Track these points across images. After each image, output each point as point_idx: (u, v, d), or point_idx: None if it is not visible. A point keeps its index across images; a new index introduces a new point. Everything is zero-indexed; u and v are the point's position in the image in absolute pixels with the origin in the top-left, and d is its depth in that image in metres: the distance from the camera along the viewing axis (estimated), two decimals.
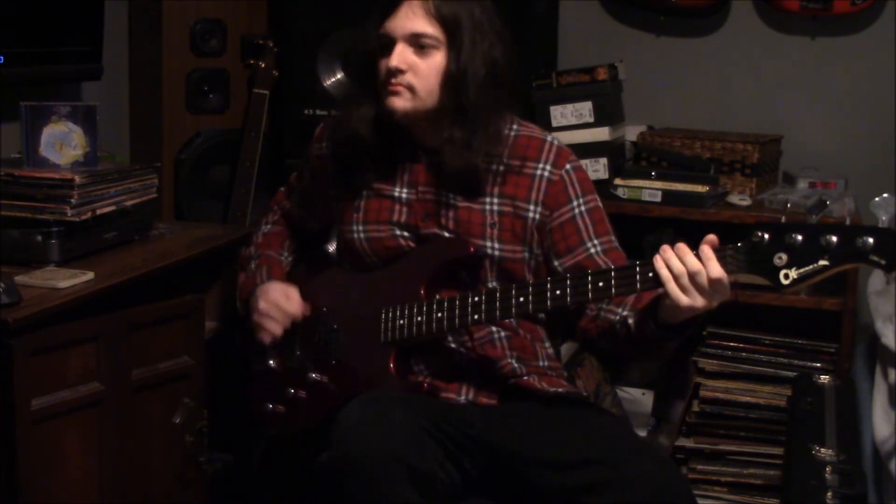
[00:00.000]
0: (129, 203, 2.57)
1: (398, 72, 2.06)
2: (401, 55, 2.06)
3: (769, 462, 3.11)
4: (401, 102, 2.08)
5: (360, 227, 2.21)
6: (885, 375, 2.83)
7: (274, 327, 2.26)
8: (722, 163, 3.26)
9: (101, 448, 2.32)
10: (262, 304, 2.27)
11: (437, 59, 2.08)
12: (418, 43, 2.07)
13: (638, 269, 1.88)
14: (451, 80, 2.08)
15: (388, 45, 2.08)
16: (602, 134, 3.25)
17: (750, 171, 3.25)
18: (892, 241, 1.69)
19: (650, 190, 3.17)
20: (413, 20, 2.07)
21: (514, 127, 2.18)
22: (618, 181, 3.22)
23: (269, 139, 3.39)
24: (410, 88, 2.08)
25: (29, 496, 2.17)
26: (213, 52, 3.40)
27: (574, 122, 3.26)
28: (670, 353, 2.03)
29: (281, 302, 2.26)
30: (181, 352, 2.52)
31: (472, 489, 2.06)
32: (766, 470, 3.12)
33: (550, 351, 2.23)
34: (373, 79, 2.11)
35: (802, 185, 3.28)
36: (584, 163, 3.18)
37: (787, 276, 1.75)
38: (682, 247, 1.84)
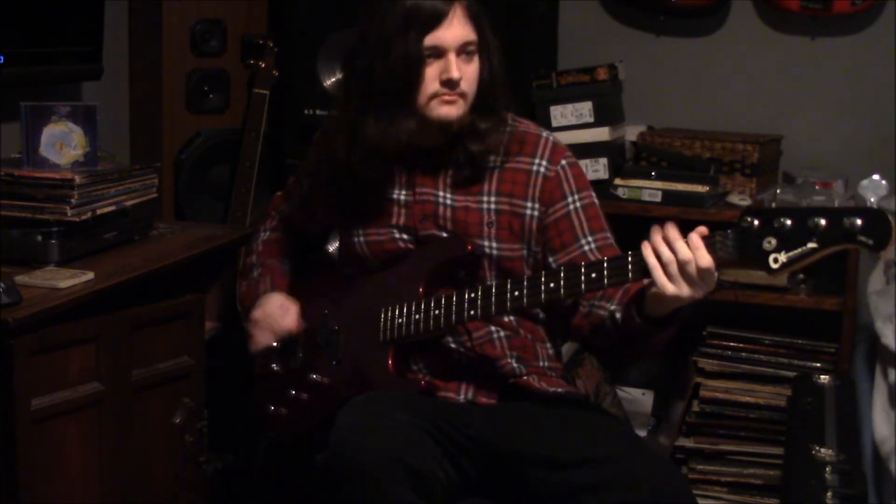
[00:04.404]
0: (129, 203, 2.57)
1: (458, 82, 2.05)
2: (457, 65, 2.05)
3: (769, 462, 3.12)
4: (456, 111, 2.07)
5: (361, 232, 2.21)
6: (885, 375, 2.83)
7: (262, 338, 2.27)
8: (722, 163, 3.26)
9: (101, 448, 2.32)
10: (257, 314, 2.28)
11: (476, 63, 2.09)
12: (466, 50, 2.07)
13: (630, 258, 1.88)
14: (485, 80, 2.10)
15: (432, 56, 2.05)
16: (602, 134, 3.25)
17: (750, 171, 3.25)
18: (879, 221, 1.69)
19: (650, 190, 3.17)
20: (462, 29, 2.06)
21: (510, 122, 2.19)
22: (618, 181, 3.22)
23: (269, 139, 3.39)
24: (463, 96, 2.07)
25: (29, 496, 2.17)
26: (213, 52, 3.40)
27: (574, 122, 3.26)
28: (660, 348, 2.01)
29: (276, 315, 2.26)
30: (181, 352, 2.52)
31: (470, 489, 2.06)
32: (766, 470, 3.12)
33: (551, 351, 2.23)
34: (412, 91, 2.06)
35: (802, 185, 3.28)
36: (584, 163, 3.19)
37: (776, 261, 1.75)
38: (673, 231, 1.83)
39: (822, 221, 1.72)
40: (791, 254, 1.74)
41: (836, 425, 2.56)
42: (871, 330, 2.94)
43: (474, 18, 2.08)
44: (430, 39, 2.04)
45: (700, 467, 3.16)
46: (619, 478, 1.92)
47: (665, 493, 1.91)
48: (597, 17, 3.60)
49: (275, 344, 2.27)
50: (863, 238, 1.70)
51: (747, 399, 3.14)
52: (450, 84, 2.05)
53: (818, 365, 3.12)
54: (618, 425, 2.24)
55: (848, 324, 3.08)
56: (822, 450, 2.41)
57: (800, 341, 3.16)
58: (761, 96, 3.49)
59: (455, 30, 2.05)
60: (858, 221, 1.69)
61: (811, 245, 1.73)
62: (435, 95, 2.06)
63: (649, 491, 1.90)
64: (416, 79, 2.05)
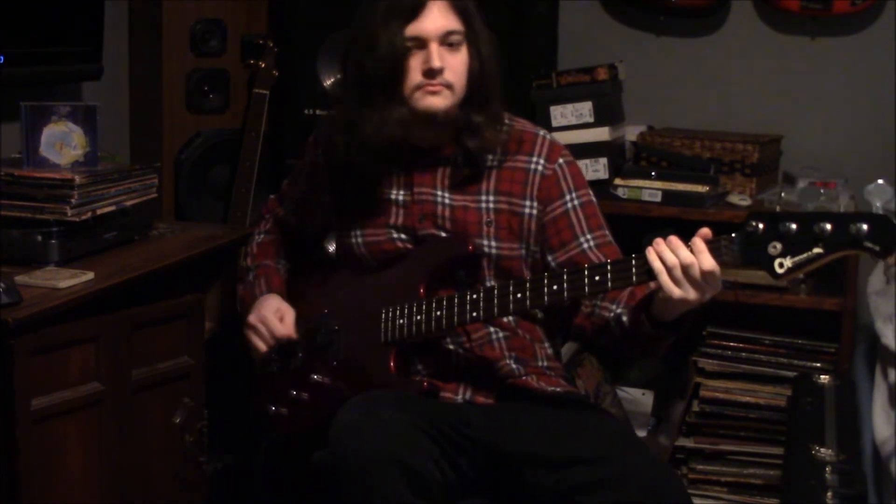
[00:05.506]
0: (129, 203, 2.57)
1: (439, 72, 2.06)
2: (439, 54, 2.06)
3: (769, 462, 3.12)
4: (441, 101, 2.08)
5: (358, 233, 2.21)
6: (885, 375, 2.83)
7: (258, 343, 2.26)
8: (722, 163, 3.26)
9: (101, 448, 2.32)
10: (253, 318, 2.27)
11: (463, 54, 2.10)
12: (448, 41, 2.08)
13: (634, 261, 1.88)
14: (475, 72, 2.11)
15: (415, 47, 2.07)
16: (602, 134, 3.25)
17: (750, 171, 3.25)
18: (886, 227, 1.69)
19: (650, 190, 3.17)
20: (443, 18, 2.07)
21: (507, 122, 2.19)
22: (618, 181, 3.22)
23: (269, 139, 3.39)
24: (449, 86, 2.08)
25: (29, 496, 2.17)
26: (213, 52, 3.40)
27: (574, 122, 3.26)
28: (666, 349, 2.03)
29: (271, 322, 2.24)
30: (181, 352, 2.52)
31: (468, 489, 2.06)
32: (766, 470, 3.12)
33: (550, 351, 2.23)
34: (399, 82, 2.07)
35: (802, 185, 3.27)
36: (584, 163, 3.19)
37: (781, 265, 1.75)
38: (675, 240, 1.85)
39: (828, 226, 1.72)
40: (796, 259, 1.74)
41: (836, 425, 2.56)
42: (871, 330, 2.95)
43: (459, 10, 2.09)
44: (411, 30, 2.06)
45: (700, 467, 3.16)
46: (614, 478, 1.92)
47: (660, 493, 1.91)
48: (597, 17, 3.60)
49: (272, 351, 2.27)
50: (869, 244, 1.69)
51: (747, 399, 3.14)
52: (430, 73, 2.06)
53: (818, 365, 3.11)
54: (615, 425, 2.23)
55: (848, 324, 3.08)
56: (822, 450, 2.41)
57: (800, 341, 3.16)
58: (761, 96, 3.49)
59: (435, 19, 2.07)
60: (865, 227, 1.69)
61: (817, 250, 1.73)
62: (419, 86, 2.07)
63: (644, 491, 1.90)
64: (400, 70, 2.06)
